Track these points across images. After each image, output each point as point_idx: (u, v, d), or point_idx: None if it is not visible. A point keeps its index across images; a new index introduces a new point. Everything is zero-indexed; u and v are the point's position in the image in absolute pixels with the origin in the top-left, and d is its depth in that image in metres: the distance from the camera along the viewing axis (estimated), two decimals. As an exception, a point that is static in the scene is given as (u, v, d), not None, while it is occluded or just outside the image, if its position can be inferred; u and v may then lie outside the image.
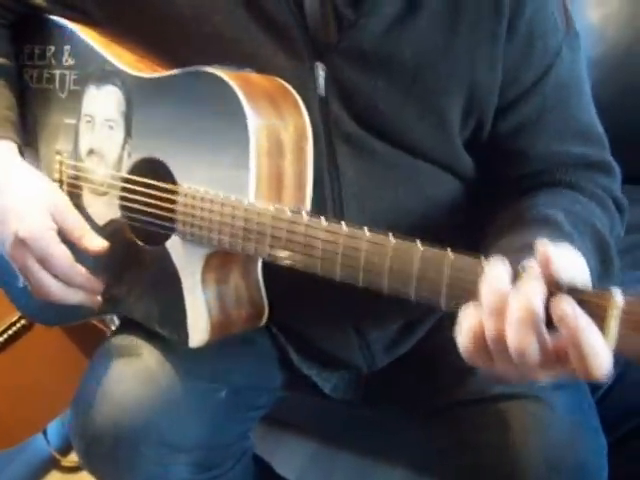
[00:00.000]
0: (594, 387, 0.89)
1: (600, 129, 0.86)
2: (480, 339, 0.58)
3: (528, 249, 0.66)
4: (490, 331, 0.57)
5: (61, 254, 0.81)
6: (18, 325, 1.28)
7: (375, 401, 0.99)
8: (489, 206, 0.84)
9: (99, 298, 0.86)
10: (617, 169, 0.86)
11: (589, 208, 0.79)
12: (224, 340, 0.86)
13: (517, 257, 0.63)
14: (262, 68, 0.79)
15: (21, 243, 0.80)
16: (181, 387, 0.85)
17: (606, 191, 0.83)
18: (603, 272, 0.75)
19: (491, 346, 0.57)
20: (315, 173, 0.79)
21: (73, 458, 1.53)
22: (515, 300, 0.55)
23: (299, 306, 0.87)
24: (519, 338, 0.55)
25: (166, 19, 0.82)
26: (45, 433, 1.49)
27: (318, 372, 0.95)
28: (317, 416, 1.31)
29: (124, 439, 0.81)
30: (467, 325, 0.59)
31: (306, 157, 0.79)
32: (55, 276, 0.82)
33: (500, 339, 0.56)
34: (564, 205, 0.77)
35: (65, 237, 0.82)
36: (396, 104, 0.80)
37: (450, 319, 0.90)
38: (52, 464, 1.56)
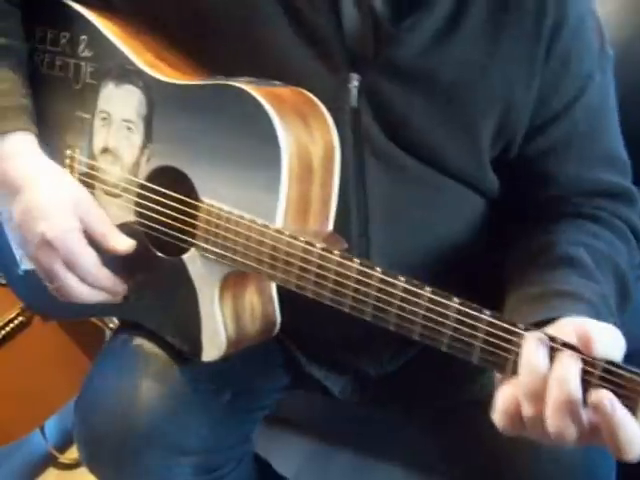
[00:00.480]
0: None
1: (625, 155, 0.87)
2: (517, 418, 0.59)
3: (556, 296, 0.66)
4: (528, 413, 0.58)
5: (88, 255, 0.79)
6: (16, 322, 1.26)
7: (383, 402, 1.00)
8: (513, 228, 0.85)
9: (119, 299, 0.84)
10: (637, 196, 0.86)
11: (610, 242, 0.80)
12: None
13: (547, 305, 0.64)
14: (295, 74, 0.77)
15: (48, 244, 0.77)
16: (185, 390, 0.85)
17: (627, 222, 0.83)
18: (621, 303, 0.77)
19: (528, 425, 0.58)
20: (341, 186, 0.77)
21: (71, 455, 1.54)
22: (555, 386, 0.56)
23: (306, 309, 0.87)
24: (558, 424, 0.56)
25: (199, 16, 0.78)
26: (43, 430, 1.47)
27: (326, 374, 0.95)
28: (316, 414, 1.33)
29: (128, 441, 0.81)
30: (504, 406, 0.60)
31: (333, 177, 0.77)
32: (80, 278, 0.79)
33: (538, 420, 0.57)
34: (587, 241, 0.78)
35: (90, 236, 0.80)
36: (429, 121, 0.79)
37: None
38: (50, 461, 1.56)
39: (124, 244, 0.81)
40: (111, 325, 1.18)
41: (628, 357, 0.59)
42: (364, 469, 1.44)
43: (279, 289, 0.82)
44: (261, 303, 0.82)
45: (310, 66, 0.77)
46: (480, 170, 0.83)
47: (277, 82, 0.77)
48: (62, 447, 1.55)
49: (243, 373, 0.92)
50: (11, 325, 1.26)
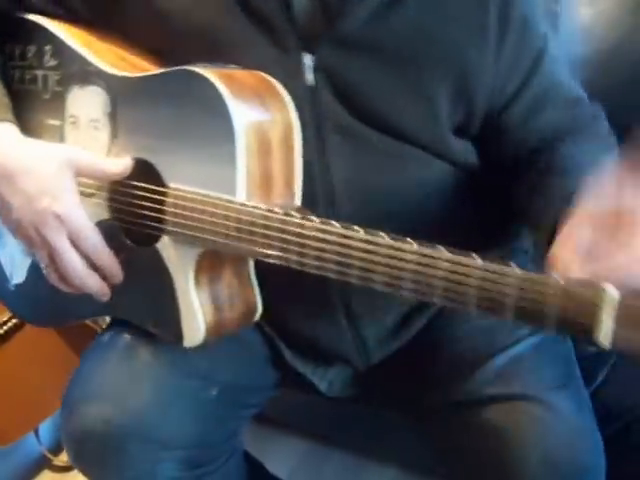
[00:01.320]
0: (586, 384, 0.89)
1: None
2: None
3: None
4: None
5: (93, 229, 0.80)
6: (10, 324, 1.27)
7: (370, 399, 0.99)
8: (500, 181, 0.86)
9: (109, 291, 0.84)
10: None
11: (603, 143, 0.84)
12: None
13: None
14: (248, 59, 0.79)
15: (56, 218, 0.77)
16: (171, 384, 0.85)
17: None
18: None
19: None
20: (304, 164, 0.78)
21: (65, 457, 1.53)
22: None
23: (290, 300, 0.88)
24: None
25: (151, 14, 0.81)
26: (37, 432, 1.48)
27: (313, 370, 0.95)
28: (309, 415, 1.31)
29: (112, 435, 0.81)
30: None
31: (294, 153, 0.78)
32: (84, 254, 0.80)
33: None
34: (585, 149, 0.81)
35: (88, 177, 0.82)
36: (386, 90, 0.80)
37: (444, 318, 0.92)
38: (44, 463, 1.55)
39: (120, 164, 0.81)
40: (104, 327, 1.18)
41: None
42: (357, 469, 1.42)
43: (259, 278, 0.83)
44: (239, 286, 0.83)
45: (264, 52, 0.79)
46: (441, 137, 0.83)
47: (232, 65, 0.79)
48: (56, 450, 1.54)
49: (230, 369, 0.91)
50: (5, 327, 1.27)
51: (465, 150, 0.87)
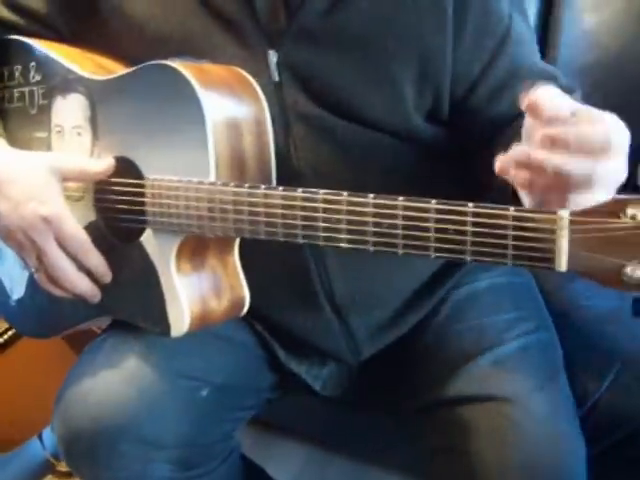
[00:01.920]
0: (582, 399, 0.89)
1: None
2: None
3: None
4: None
5: (80, 231, 0.82)
6: (14, 330, 1.28)
7: (363, 398, 0.99)
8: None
9: (99, 292, 0.86)
10: None
11: None
12: (207, 339, 0.88)
13: None
14: (215, 60, 0.81)
15: (44, 221, 0.80)
16: (162, 384, 0.85)
17: None
18: None
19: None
20: (275, 158, 0.80)
21: None
22: None
23: (275, 293, 0.88)
24: None
25: (125, 24, 0.85)
26: (41, 437, 1.49)
27: (307, 369, 0.95)
28: (310, 419, 1.30)
29: (103, 435, 0.81)
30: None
31: (267, 137, 0.80)
32: (72, 255, 0.82)
33: None
34: None
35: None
36: (350, 79, 0.81)
37: (437, 317, 0.91)
38: (47, 469, 1.55)
39: (102, 164, 0.83)
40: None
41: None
42: (360, 474, 1.40)
43: (246, 270, 0.84)
44: (225, 275, 0.84)
45: (231, 52, 0.82)
46: (408, 122, 0.84)
47: (204, 60, 0.82)
48: (60, 455, 1.52)
49: (223, 370, 0.91)
50: (9, 333, 1.29)
51: (436, 135, 0.87)
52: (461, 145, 0.88)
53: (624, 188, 0.73)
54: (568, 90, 0.86)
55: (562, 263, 0.56)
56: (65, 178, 0.84)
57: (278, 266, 0.85)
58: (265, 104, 0.80)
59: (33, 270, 0.85)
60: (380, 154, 0.84)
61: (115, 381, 0.84)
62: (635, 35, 1.41)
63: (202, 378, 0.89)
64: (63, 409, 0.84)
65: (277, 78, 0.82)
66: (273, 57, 0.81)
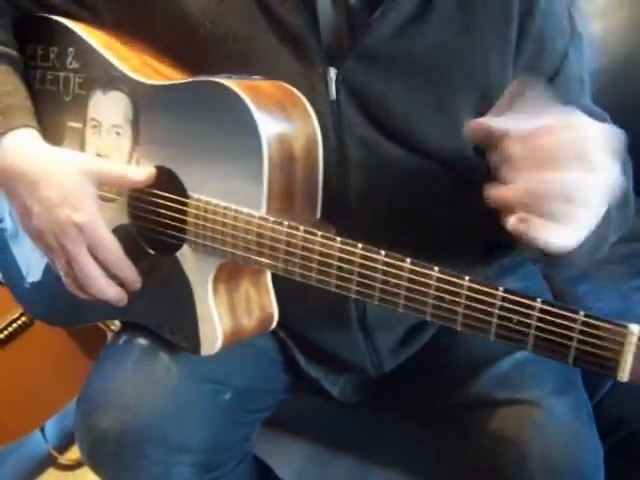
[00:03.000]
0: (590, 394, 0.91)
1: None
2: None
3: None
4: None
5: (113, 240, 0.81)
6: (19, 322, 1.28)
7: (381, 404, 1.01)
8: None
9: (126, 298, 0.85)
10: None
11: None
12: (230, 345, 0.88)
13: None
14: (273, 72, 0.79)
15: (77, 228, 0.78)
16: (186, 388, 0.86)
17: None
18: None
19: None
20: (324, 177, 0.79)
21: (71, 456, 1.55)
22: None
23: (306, 309, 0.88)
24: None
25: (177, 21, 0.81)
26: (43, 430, 1.49)
27: (325, 375, 0.96)
28: (315, 418, 1.33)
29: (128, 438, 0.82)
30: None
31: (317, 166, 0.79)
32: (103, 264, 0.81)
33: None
34: None
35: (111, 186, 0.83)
36: (410, 105, 0.80)
37: None
38: (50, 461, 1.56)
39: (143, 173, 0.81)
40: (113, 327, 1.19)
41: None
42: (364, 474, 1.43)
43: (276, 287, 0.84)
44: (257, 295, 0.84)
45: (289, 65, 0.79)
46: (461, 153, 0.83)
47: (257, 76, 0.79)
48: (62, 448, 1.56)
49: (244, 373, 0.92)
50: (14, 325, 1.29)
51: (484, 166, 0.87)
52: None
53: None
54: None
55: (625, 374, 0.58)
56: (102, 183, 0.81)
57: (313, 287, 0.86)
58: (318, 128, 0.78)
59: (62, 274, 0.83)
60: (431, 182, 0.84)
61: (142, 384, 0.84)
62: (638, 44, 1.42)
63: (225, 382, 0.90)
64: (87, 411, 0.84)
65: (334, 97, 0.80)
66: (332, 75, 0.79)
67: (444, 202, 0.85)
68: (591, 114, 0.86)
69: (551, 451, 0.80)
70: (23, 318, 1.28)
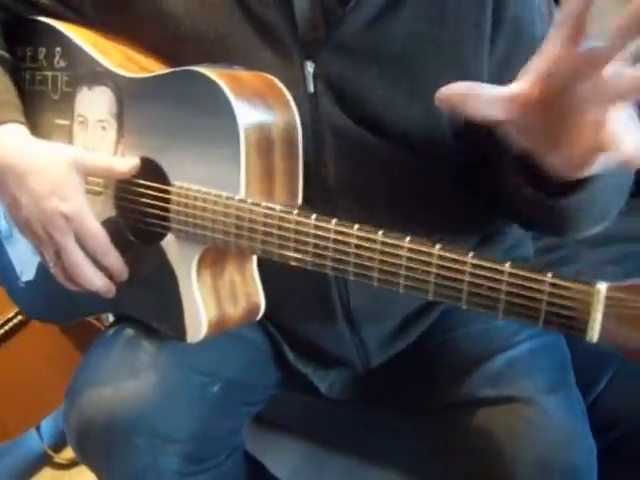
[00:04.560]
0: (584, 394, 0.90)
1: None
2: None
3: None
4: None
5: (100, 230, 0.82)
6: (14, 321, 1.30)
7: (370, 401, 1.00)
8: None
9: (114, 289, 0.86)
10: None
11: None
12: (219, 336, 0.88)
13: None
14: (251, 66, 0.80)
15: (64, 218, 0.79)
16: (175, 379, 0.86)
17: None
18: None
19: None
20: (303, 168, 0.79)
21: (66, 455, 1.55)
22: None
23: (292, 302, 0.89)
24: None
25: (160, 20, 0.83)
26: (39, 429, 1.50)
27: (314, 371, 0.96)
28: (309, 416, 1.32)
29: (116, 428, 0.82)
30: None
31: (297, 152, 0.80)
32: (90, 253, 0.82)
33: None
34: None
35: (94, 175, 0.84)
36: (386, 94, 0.81)
37: (445, 322, 0.93)
38: (45, 460, 1.57)
39: (128, 163, 0.83)
40: (107, 325, 1.20)
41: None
42: (358, 472, 1.42)
43: (261, 280, 0.85)
44: (242, 283, 0.84)
45: (266, 59, 0.81)
46: (440, 140, 0.83)
47: (236, 66, 0.80)
48: (58, 447, 1.56)
49: (234, 366, 0.93)
50: (9, 324, 1.30)
51: (463, 152, 0.87)
52: (488, 164, 0.88)
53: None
54: None
55: (594, 334, 0.58)
56: (88, 174, 0.83)
57: (299, 275, 0.86)
58: (297, 115, 0.79)
59: (50, 265, 0.85)
60: (408, 168, 0.84)
61: (130, 375, 0.85)
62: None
63: (213, 373, 0.90)
64: (76, 400, 0.85)
65: (312, 89, 0.81)
66: (310, 68, 0.80)
67: (421, 187, 0.85)
68: None
69: (545, 449, 0.79)
70: (18, 317, 1.30)
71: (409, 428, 0.99)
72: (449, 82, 0.80)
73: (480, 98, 0.61)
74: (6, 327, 1.30)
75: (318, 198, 0.82)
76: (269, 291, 0.85)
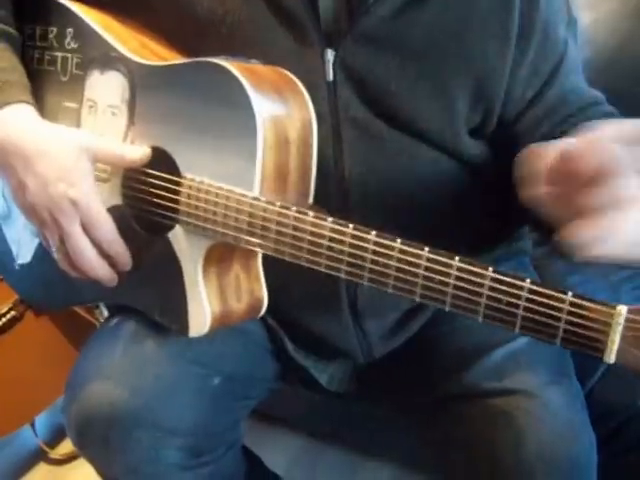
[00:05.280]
0: (583, 383, 0.90)
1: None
2: None
3: None
4: None
5: (107, 217, 0.80)
6: (8, 316, 1.28)
7: (370, 394, 1.00)
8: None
9: (117, 278, 0.84)
10: None
11: None
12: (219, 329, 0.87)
13: None
14: (270, 53, 0.79)
15: (72, 204, 0.78)
16: (175, 372, 0.85)
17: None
18: None
19: None
20: (320, 159, 0.79)
21: (61, 450, 1.54)
22: None
23: (298, 291, 0.89)
24: None
25: (173, 1, 0.81)
26: (33, 425, 1.49)
27: (314, 363, 0.96)
28: (306, 410, 1.32)
29: (117, 421, 0.82)
30: None
31: (311, 150, 0.79)
32: (96, 241, 0.80)
33: None
34: None
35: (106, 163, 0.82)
36: (405, 87, 0.81)
37: (446, 314, 0.93)
38: (40, 456, 1.56)
39: (139, 152, 0.81)
40: (101, 320, 1.19)
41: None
42: (354, 465, 1.43)
43: (267, 272, 0.84)
44: (247, 279, 0.83)
45: (286, 46, 0.80)
46: (456, 136, 0.84)
47: (254, 60, 0.79)
48: (53, 442, 1.55)
49: (233, 359, 0.92)
50: (3, 320, 1.28)
51: (478, 151, 0.87)
52: (502, 165, 0.88)
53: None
54: (610, 115, 0.88)
55: (612, 356, 0.58)
56: (97, 160, 0.81)
57: (305, 272, 0.86)
58: (314, 114, 0.78)
59: (53, 249, 0.83)
60: (425, 165, 0.84)
61: (131, 368, 0.84)
62: (629, 34, 1.43)
63: (214, 366, 0.89)
64: (76, 393, 0.83)
65: (331, 78, 0.80)
66: (330, 56, 0.80)
67: (439, 185, 0.85)
68: (595, 105, 0.88)
69: (547, 441, 0.79)
70: (12, 312, 1.28)
71: (408, 421, 0.99)
72: (471, 80, 0.81)
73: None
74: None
75: (332, 189, 0.82)
76: (275, 281, 0.84)
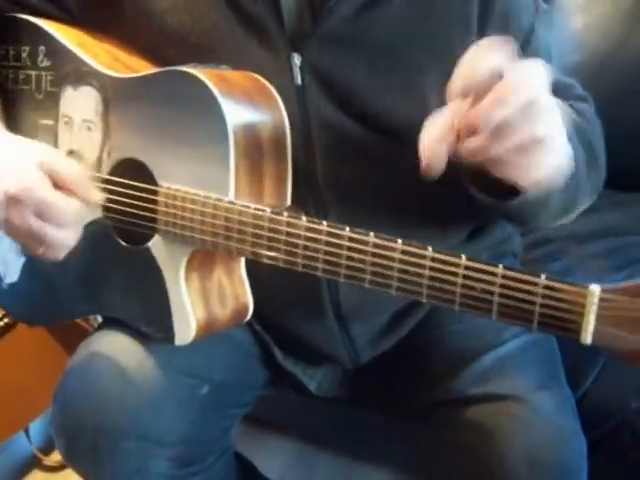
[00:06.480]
0: (573, 389, 0.90)
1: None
2: None
3: None
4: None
5: (56, 197, 0.77)
6: (1, 324, 1.27)
7: (359, 399, 1.00)
8: None
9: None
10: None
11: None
12: (206, 338, 0.87)
13: None
14: (238, 60, 0.80)
15: (14, 200, 0.75)
16: (163, 382, 0.85)
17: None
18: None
19: None
20: (292, 164, 0.79)
21: (55, 457, 1.53)
22: None
23: (281, 298, 0.88)
24: None
25: (144, 13, 0.82)
26: (27, 432, 1.48)
27: (303, 369, 0.96)
28: (300, 416, 1.32)
29: (105, 431, 0.81)
30: None
31: (285, 153, 0.79)
32: (57, 223, 0.77)
33: None
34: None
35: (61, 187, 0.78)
36: (376, 85, 0.80)
37: (435, 319, 0.93)
38: (34, 463, 1.55)
39: (97, 196, 0.80)
40: (96, 326, 1.18)
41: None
42: (348, 471, 1.42)
43: (251, 279, 0.84)
44: (230, 285, 0.83)
45: (254, 52, 0.80)
46: None
47: (224, 65, 0.80)
48: (47, 449, 1.54)
49: (221, 367, 0.92)
50: None
51: None
52: None
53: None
54: (581, 99, 0.87)
55: (587, 336, 0.58)
56: (51, 175, 0.77)
57: (288, 272, 0.85)
58: (286, 117, 0.79)
59: (36, 253, 0.79)
60: (398, 161, 0.83)
61: (118, 379, 0.83)
62: (621, 37, 1.44)
63: (202, 375, 0.89)
64: (64, 404, 0.84)
65: (300, 82, 0.80)
66: (297, 60, 0.80)
67: (412, 181, 0.85)
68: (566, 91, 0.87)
69: (535, 446, 0.79)
70: (5, 319, 1.28)
71: (398, 426, 0.99)
72: (440, 72, 0.80)
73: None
74: (-10, 333, 1.28)
75: (307, 194, 0.82)
76: (258, 288, 0.84)
